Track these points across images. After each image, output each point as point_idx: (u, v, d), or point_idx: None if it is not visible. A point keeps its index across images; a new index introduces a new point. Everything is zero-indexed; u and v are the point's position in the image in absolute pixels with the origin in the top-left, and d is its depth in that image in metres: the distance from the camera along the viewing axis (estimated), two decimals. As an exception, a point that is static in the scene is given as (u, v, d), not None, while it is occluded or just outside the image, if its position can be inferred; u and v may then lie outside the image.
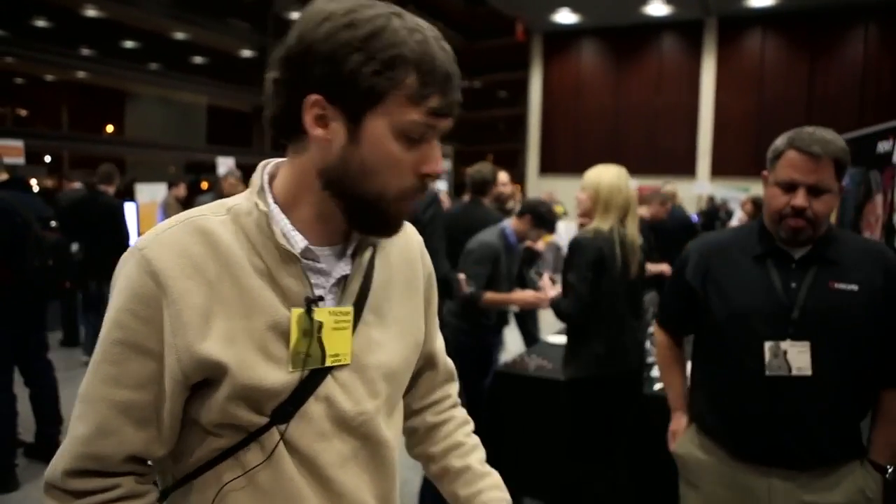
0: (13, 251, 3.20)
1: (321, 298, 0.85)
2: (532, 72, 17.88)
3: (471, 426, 1.14)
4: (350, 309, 0.87)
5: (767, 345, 1.54)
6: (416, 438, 1.11)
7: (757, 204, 6.52)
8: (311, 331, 0.83)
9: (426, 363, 1.09)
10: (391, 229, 0.86)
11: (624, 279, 2.59)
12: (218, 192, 6.61)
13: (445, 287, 2.76)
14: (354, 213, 0.83)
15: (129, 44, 13.49)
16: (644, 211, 5.03)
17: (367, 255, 0.90)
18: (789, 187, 1.52)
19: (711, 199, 12.29)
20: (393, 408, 0.95)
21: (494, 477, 1.07)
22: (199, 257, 0.80)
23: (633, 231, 2.62)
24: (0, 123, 13.20)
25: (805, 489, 1.57)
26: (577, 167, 5.45)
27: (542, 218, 3.27)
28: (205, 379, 0.80)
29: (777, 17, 14.97)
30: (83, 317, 5.73)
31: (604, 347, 2.60)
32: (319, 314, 0.83)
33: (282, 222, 0.84)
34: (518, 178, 16.29)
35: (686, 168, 15.57)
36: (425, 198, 2.55)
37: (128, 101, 16.97)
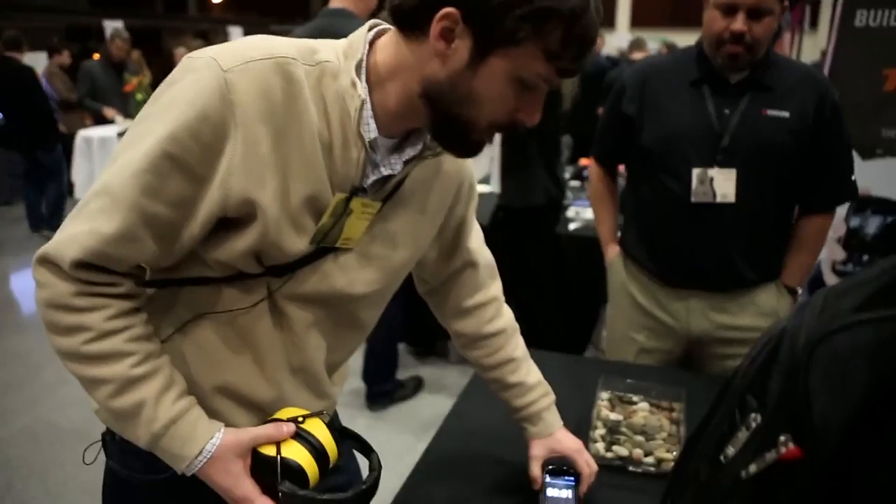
0: None
1: (364, 190, 0.84)
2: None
3: (518, 333, 1.19)
4: (378, 205, 0.86)
5: (695, 171, 1.55)
6: (467, 343, 1.16)
7: (671, 49, 6.52)
8: (342, 215, 0.83)
9: (465, 263, 1.10)
10: (469, 152, 0.85)
11: (553, 113, 2.57)
12: (106, 57, 6.06)
13: None
14: (440, 127, 0.81)
15: None
16: None
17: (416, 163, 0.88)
18: (729, 9, 1.46)
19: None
20: (384, 300, 0.99)
21: (543, 385, 1.17)
22: (277, 104, 0.76)
23: None
24: None
25: (720, 310, 1.65)
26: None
27: None
28: (234, 219, 0.79)
29: None
30: (25, 188, 5.54)
31: (519, 179, 2.68)
32: (354, 202, 0.83)
33: (366, 106, 0.80)
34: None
35: (605, 19, 15.21)
36: None
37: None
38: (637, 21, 15.35)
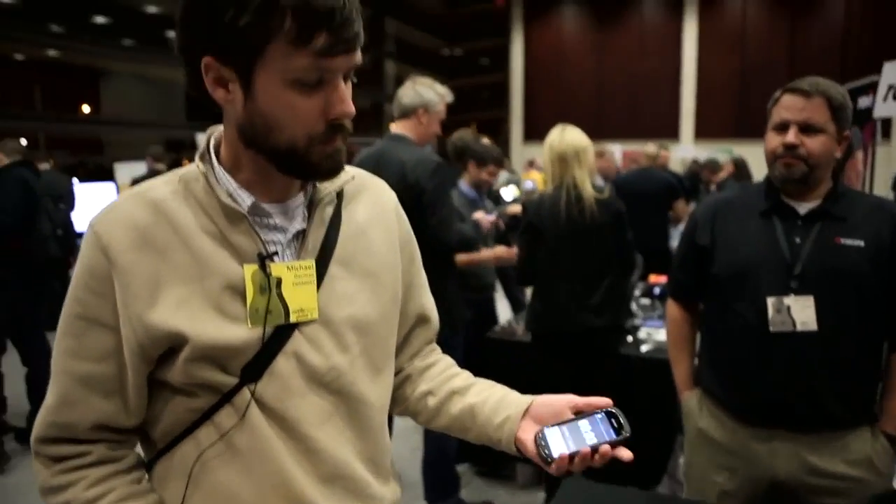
0: (31, 220, 3.48)
1: (275, 254, 0.84)
2: (513, 38, 17.66)
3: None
4: (311, 263, 0.86)
5: (770, 300, 1.52)
6: (409, 383, 1.07)
7: (738, 165, 6.54)
8: (269, 287, 0.82)
9: (418, 320, 1.07)
10: (322, 173, 0.83)
11: (576, 235, 2.57)
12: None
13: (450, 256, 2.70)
14: (279, 164, 0.82)
15: (100, 19, 13.12)
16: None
17: (329, 209, 0.90)
18: (782, 127, 1.52)
19: (695, 162, 12.29)
20: (375, 366, 0.93)
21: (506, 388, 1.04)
22: (147, 228, 0.81)
23: (581, 182, 2.58)
24: (-29, 106, 12.87)
25: (809, 450, 1.54)
26: (560, 133, 5.38)
27: (478, 153, 3.31)
28: (169, 349, 0.81)
29: (758, -25, 14.86)
30: None
31: (541, 304, 2.66)
32: (276, 269, 0.83)
33: (227, 182, 0.84)
34: (502, 146, 16.22)
35: (670, 131, 15.55)
36: (430, 165, 2.47)
37: (102, 78, 16.59)
38: (701, 133, 15.53)
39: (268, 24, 0.73)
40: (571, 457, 0.87)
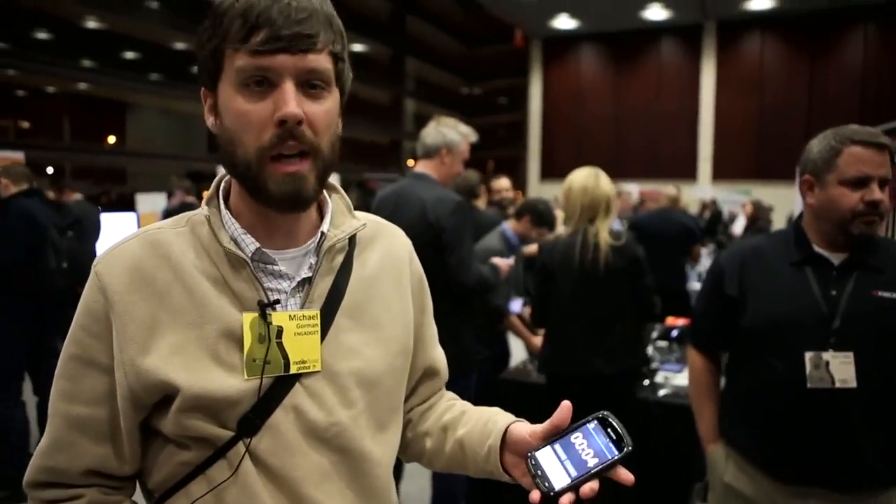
0: (36, 253, 3.44)
1: (277, 302, 0.81)
2: (532, 78, 17.90)
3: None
4: (315, 313, 0.83)
5: (808, 355, 1.48)
6: (410, 427, 1.04)
7: (756, 207, 6.50)
8: (268, 336, 0.79)
9: (426, 373, 1.03)
10: (280, 198, 0.77)
11: (587, 280, 2.56)
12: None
13: (471, 296, 2.67)
14: (248, 190, 0.80)
15: (129, 54, 13.51)
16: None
17: (340, 257, 0.87)
18: (861, 182, 1.46)
19: (714, 203, 12.24)
20: (380, 422, 0.89)
21: (495, 409, 0.99)
22: (148, 269, 0.80)
23: (601, 230, 2.58)
24: (2, 136, 13.23)
25: None
26: (577, 172, 5.39)
27: (541, 216, 3.33)
28: (164, 397, 0.78)
29: (776, 19, 14.98)
30: None
31: (552, 347, 2.65)
32: (278, 318, 0.80)
33: (231, 227, 0.83)
34: (519, 184, 16.30)
35: (687, 172, 15.55)
36: (450, 204, 2.46)
37: (128, 111, 17.00)
38: (718, 174, 15.50)
39: (220, 32, 0.76)
40: (576, 486, 0.76)
